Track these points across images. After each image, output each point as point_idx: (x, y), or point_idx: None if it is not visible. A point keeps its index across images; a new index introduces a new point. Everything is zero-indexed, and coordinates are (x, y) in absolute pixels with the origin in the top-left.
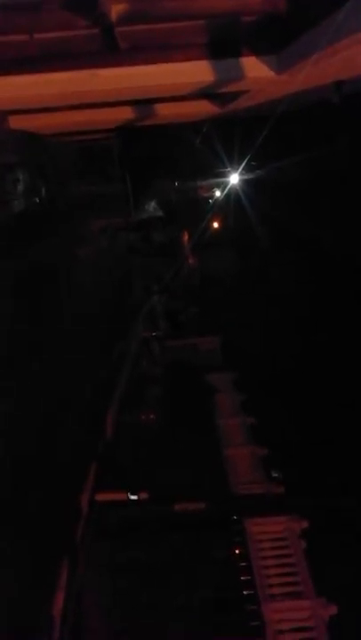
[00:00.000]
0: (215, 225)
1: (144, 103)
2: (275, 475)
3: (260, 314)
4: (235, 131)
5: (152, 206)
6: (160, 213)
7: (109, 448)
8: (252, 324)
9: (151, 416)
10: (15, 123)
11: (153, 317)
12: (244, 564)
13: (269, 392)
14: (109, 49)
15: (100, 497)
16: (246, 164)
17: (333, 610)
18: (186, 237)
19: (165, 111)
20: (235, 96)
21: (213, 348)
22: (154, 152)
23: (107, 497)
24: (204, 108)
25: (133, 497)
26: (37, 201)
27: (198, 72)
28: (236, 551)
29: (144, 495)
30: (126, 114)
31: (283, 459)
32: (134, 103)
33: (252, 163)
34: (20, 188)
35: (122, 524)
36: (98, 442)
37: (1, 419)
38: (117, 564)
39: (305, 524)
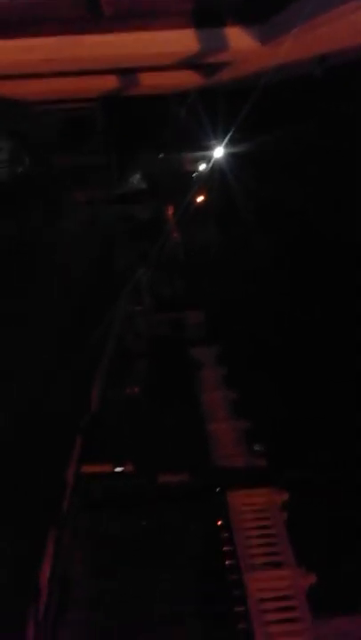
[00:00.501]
0: (199, 198)
1: (128, 72)
2: (257, 448)
3: (244, 287)
4: (219, 103)
5: (136, 178)
6: (144, 186)
7: (94, 421)
8: (235, 298)
9: (136, 390)
10: None
11: (137, 291)
12: (226, 535)
13: (252, 366)
14: (94, 15)
15: (86, 469)
16: (231, 136)
17: (312, 579)
18: (170, 211)
19: (150, 81)
20: (219, 67)
21: (198, 322)
22: (138, 123)
23: (92, 469)
24: (188, 79)
25: (118, 469)
26: (20, 170)
27: (182, 41)
28: (219, 522)
29: (129, 467)
30: (110, 82)
31: (265, 432)
32: (118, 72)
33: (237, 135)
34: (3, 156)
35: (106, 496)
36: (83, 415)
37: None
38: (102, 535)
39: (286, 496)
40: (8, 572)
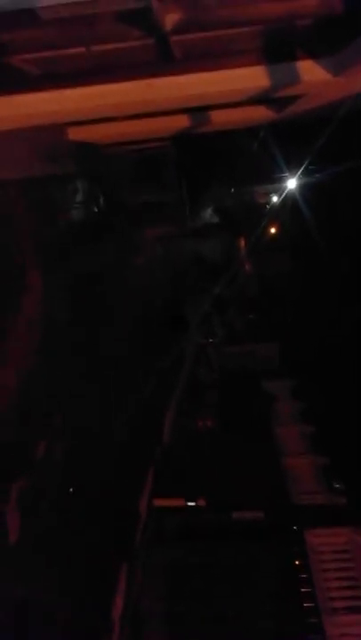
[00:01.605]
0: (272, 231)
1: (200, 110)
2: (336, 485)
3: (320, 320)
4: (292, 135)
5: (208, 213)
6: (216, 220)
7: (167, 453)
8: (311, 332)
9: (208, 422)
10: (73, 134)
11: (210, 324)
12: (304, 575)
13: (331, 400)
14: (164, 58)
15: (158, 502)
16: (304, 168)
17: None
18: (242, 243)
19: (221, 118)
20: (291, 100)
21: (271, 355)
22: (210, 158)
23: (164, 502)
24: (260, 114)
25: (191, 503)
26: (95, 210)
27: (254, 77)
28: (296, 562)
29: (202, 502)
30: (182, 122)
31: (345, 469)
32: (190, 111)
33: (310, 167)
34: (79, 197)
35: (179, 531)
36: (155, 447)
37: (63, 425)
38: (175, 571)
39: None
40: (81, 607)
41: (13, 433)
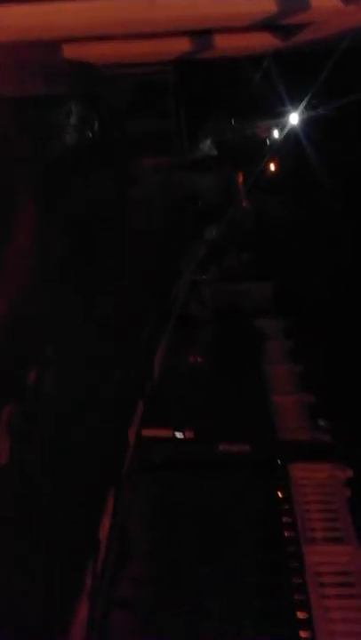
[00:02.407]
0: (272, 167)
1: (202, 34)
2: (321, 423)
3: (316, 260)
4: (297, 66)
5: (207, 145)
6: (215, 153)
7: (157, 386)
8: (307, 271)
9: (199, 359)
10: (69, 52)
11: (204, 261)
12: (286, 506)
13: (321, 340)
14: None
15: (147, 433)
16: (308, 102)
17: None
18: (241, 179)
19: (224, 43)
20: (298, 28)
21: (265, 294)
22: (211, 88)
23: (153, 433)
24: (265, 41)
25: (179, 435)
26: (90, 135)
27: (261, 0)
28: (279, 494)
29: (189, 433)
30: (184, 45)
31: (331, 407)
32: (192, 34)
33: (315, 101)
34: (73, 120)
35: (166, 460)
36: (146, 380)
37: (55, 355)
38: (161, 497)
39: (349, 473)
40: (68, 526)
41: (5, 360)
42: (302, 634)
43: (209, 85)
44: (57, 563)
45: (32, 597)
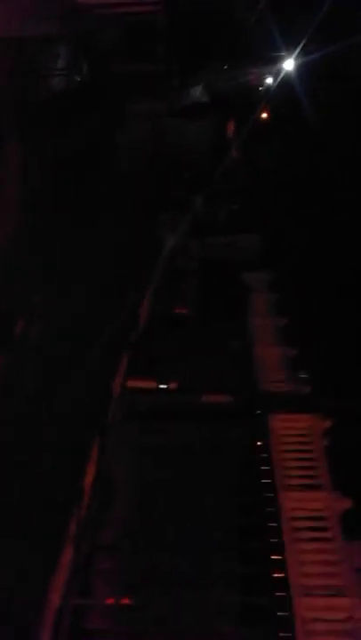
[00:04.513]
0: (265, 116)
1: None
2: (302, 375)
3: (305, 212)
4: (294, 8)
5: (198, 91)
6: (206, 99)
7: (142, 337)
8: (296, 223)
9: (185, 310)
10: None
11: (192, 211)
12: (264, 455)
13: (304, 294)
14: None
15: (131, 383)
16: (303, 46)
17: (347, 504)
18: (232, 127)
19: None
20: None
21: (252, 246)
22: (204, 31)
23: (137, 384)
24: None
25: (162, 386)
26: (78, 79)
27: None
28: (258, 443)
29: (173, 385)
30: None
31: (311, 360)
32: None
33: (310, 45)
34: (61, 63)
35: (150, 410)
36: (131, 330)
37: (42, 305)
38: (145, 446)
39: (327, 424)
40: (53, 472)
41: None
42: (275, 574)
43: (202, 29)
44: (42, 508)
45: (17, 540)
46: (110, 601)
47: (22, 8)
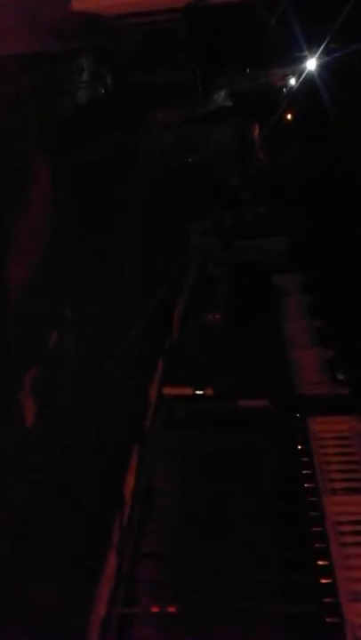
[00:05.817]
0: (289, 117)
1: None
2: (340, 377)
3: (335, 213)
4: (314, 10)
5: (221, 96)
6: (229, 104)
7: (177, 345)
8: (323, 225)
9: (218, 316)
10: (78, 4)
11: (220, 217)
12: (305, 459)
13: (339, 295)
14: None
15: (168, 391)
16: (326, 47)
17: None
18: (257, 130)
19: None
20: None
21: (281, 249)
22: (224, 36)
23: (174, 391)
24: None
25: (199, 392)
26: (102, 91)
27: None
28: (299, 447)
29: (209, 391)
30: None
31: (348, 361)
32: None
33: (333, 46)
34: (85, 76)
35: (189, 417)
36: (165, 338)
37: (74, 317)
38: (185, 453)
39: None
40: (95, 485)
41: (26, 324)
42: (323, 581)
43: (222, 33)
44: (85, 520)
45: (61, 552)
46: (156, 609)
47: (45, 25)
